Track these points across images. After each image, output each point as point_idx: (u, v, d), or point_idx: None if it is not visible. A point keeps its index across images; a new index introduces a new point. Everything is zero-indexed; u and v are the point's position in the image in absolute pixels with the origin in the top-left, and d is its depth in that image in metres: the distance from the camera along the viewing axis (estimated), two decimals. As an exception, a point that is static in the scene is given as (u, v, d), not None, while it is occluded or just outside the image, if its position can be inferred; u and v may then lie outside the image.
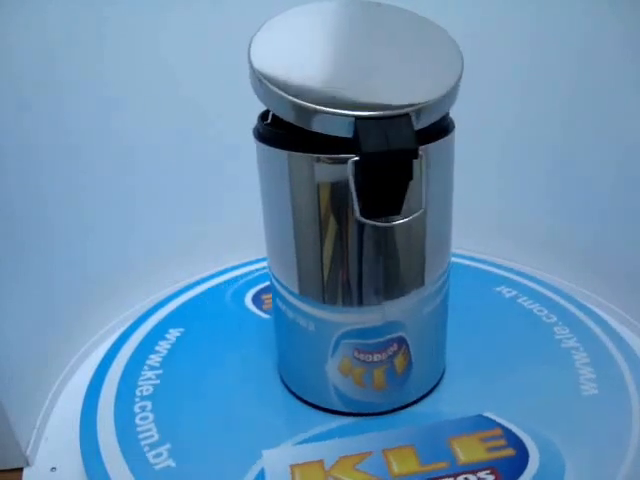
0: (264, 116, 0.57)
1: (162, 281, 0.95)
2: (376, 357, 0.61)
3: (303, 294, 0.60)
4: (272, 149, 0.55)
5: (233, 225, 0.94)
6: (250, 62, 0.53)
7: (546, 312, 0.82)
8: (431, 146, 0.53)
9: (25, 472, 0.67)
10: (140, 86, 0.82)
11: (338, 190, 0.52)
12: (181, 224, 0.94)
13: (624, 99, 0.79)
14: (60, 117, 0.76)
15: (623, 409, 0.63)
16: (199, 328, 0.83)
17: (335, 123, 0.49)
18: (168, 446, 0.62)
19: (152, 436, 0.64)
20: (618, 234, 0.85)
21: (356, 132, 0.47)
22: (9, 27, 0.68)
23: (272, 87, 0.50)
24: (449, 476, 0.57)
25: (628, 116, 0.79)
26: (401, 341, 0.61)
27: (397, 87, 0.52)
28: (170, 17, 0.81)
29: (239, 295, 0.90)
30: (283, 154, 0.54)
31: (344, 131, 0.48)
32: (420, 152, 0.48)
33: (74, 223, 0.81)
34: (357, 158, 0.48)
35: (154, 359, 0.77)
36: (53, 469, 0.67)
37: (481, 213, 0.96)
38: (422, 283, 0.60)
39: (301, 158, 0.53)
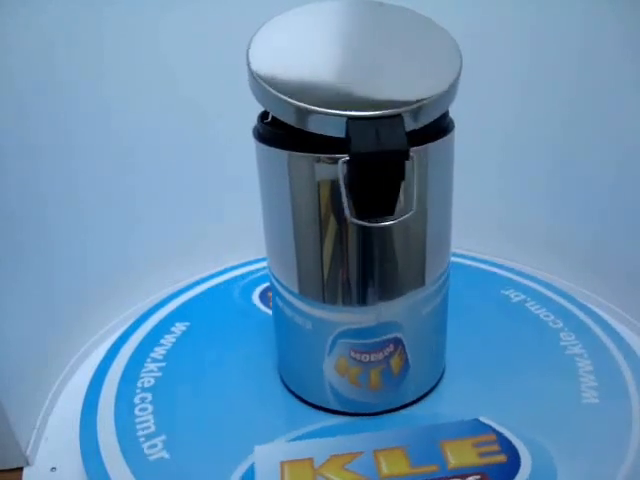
0: (264, 116, 0.57)
1: (162, 281, 0.95)
2: (372, 357, 0.61)
3: (302, 293, 0.60)
4: (272, 149, 0.55)
5: (233, 225, 0.94)
6: (248, 62, 0.53)
7: (553, 317, 0.81)
8: (431, 146, 0.53)
9: (25, 472, 0.67)
10: (140, 86, 0.82)
11: (338, 190, 0.52)
12: (181, 224, 0.94)
13: (624, 99, 0.79)
14: (60, 117, 0.76)
15: (622, 420, 0.62)
16: (205, 322, 0.84)
17: (329, 123, 0.49)
18: (163, 438, 0.63)
19: (149, 427, 0.65)
20: (618, 234, 0.85)
21: (348, 132, 0.47)
22: (9, 27, 0.68)
23: (268, 87, 0.50)
24: (438, 479, 0.57)
25: (628, 116, 0.79)
26: (397, 342, 0.61)
27: (393, 87, 0.51)
28: (170, 17, 0.81)
29: (247, 291, 0.91)
30: (283, 154, 0.54)
31: (338, 131, 0.48)
32: (412, 153, 0.47)
33: (74, 223, 0.81)
34: (347, 158, 0.48)
35: (158, 352, 0.78)
36: (53, 469, 0.67)
37: (481, 213, 0.96)
38: (419, 284, 0.60)
39: (301, 158, 0.53)
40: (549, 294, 0.86)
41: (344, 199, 0.50)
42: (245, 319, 0.84)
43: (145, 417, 0.66)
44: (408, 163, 0.48)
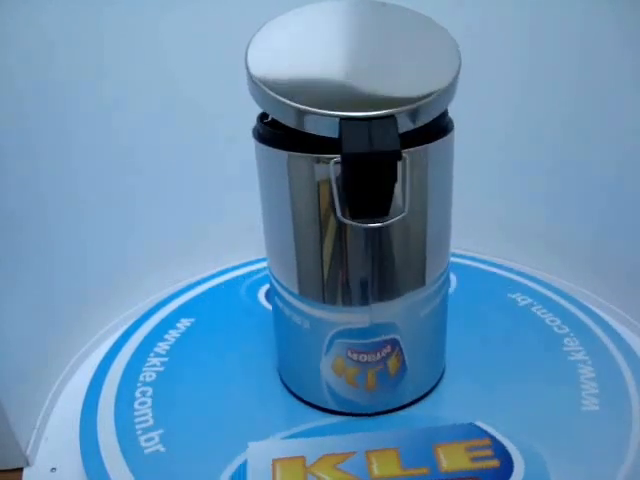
0: (263, 116, 0.57)
1: (162, 281, 0.95)
2: (369, 358, 0.61)
3: (300, 292, 0.60)
4: (272, 149, 0.55)
5: (233, 225, 0.94)
6: (246, 62, 0.53)
7: (559, 322, 0.79)
8: (430, 146, 0.53)
9: (25, 472, 0.67)
10: (140, 86, 0.82)
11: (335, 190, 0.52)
12: (181, 224, 0.94)
13: (624, 99, 0.79)
14: (60, 117, 0.76)
15: (621, 429, 0.61)
16: (210, 319, 0.85)
17: (323, 123, 0.49)
18: (160, 431, 0.64)
19: (147, 421, 0.66)
20: (618, 234, 0.85)
21: (340, 132, 0.47)
22: (9, 27, 0.68)
23: (263, 87, 0.51)
24: None
25: (628, 116, 0.79)
26: (394, 343, 0.61)
27: (390, 87, 0.51)
28: (170, 17, 0.81)
29: (253, 289, 0.91)
30: (283, 154, 0.54)
31: (332, 131, 0.48)
32: (404, 154, 0.47)
33: (74, 223, 0.81)
34: (339, 158, 0.47)
35: (162, 346, 0.79)
36: (53, 469, 0.67)
37: (481, 213, 0.96)
38: (416, 285, 0.60)
39: (301, 158, 0.53)
40: (564, 303, 0.84)
41: (336, 199, 0.50)
42: (250, 317, 0.84)
43: (144, 411, 0.67)
44: (401, 164, 0.48)
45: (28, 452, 0.68)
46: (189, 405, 0.68)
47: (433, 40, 0.56)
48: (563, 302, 0.84)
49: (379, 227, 0.52)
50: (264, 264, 0.68)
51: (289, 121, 0.51)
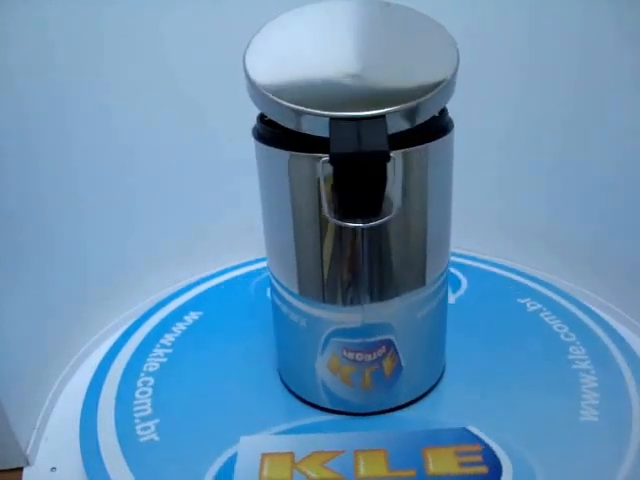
0: (263, 116, 0.57)
1: (162, 281, 0.95)
2: (364, 357, 0.61)
3: (298, 291, 0.60)
4: (272, 149, 0.55)
5: (233, 225, 0.94)
6: (244, 63, 0.53)
7: (566, 330, 0.78)
8: (430, 146, 0.53)
9: (25, 472, 0.67)
10: (140, 86, 0.82)
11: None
12: (181, 224, 0.94)
13: (624, 99, 0.79)
14: (60, 117, 0.76)
15: (618, 443, 0.59)
16: (218, 313, 0.86)
17: (316, 123, 0.49)
18: (157, 421, 0.66)
19: (145, 410, 0.68)
20: (618, 234, 0.85)
21: (330, 132, 0.47)
22: (9, 26, 0.68)
23: (260, 87, 0.51)
24: None
25: (628, 116, 0.79)
26: (389, 344, 0.61)
27: (383, 88, 0.51)
28: (170, 17, 0.81)
29: (262, 286, 0.91)
30: (282, 154, 0.54)
31: (325, 131, 0.48)
32: (392, 155, 0.47)
33: (74, 223, 0.81)
34: (327, 158, 0.47)
35: (168, 338, 0.80)
36: (53, 469, 0.67)
37: (481, 213, 0.96)
38: (412, 286, 0.60)
39: (300, 158, 0.53)
40: (573, 309, 0.83)
41: (323, 198, 0.50)
42: (256, 314, 0.84)
43: (144, 400, 0.69)
44: (390, 164, 0.48)
45: (28, 452, 0.68)
46: (187, 396, 0.70)
47: (432, 40, 0.56)
48: (574, 310, 0.82)
49: (362, 228, 0.53)
50: (264, 264, 0.68)
51: (284, 121, 0.51)
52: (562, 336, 0.77)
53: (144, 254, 0.91)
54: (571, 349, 0.74)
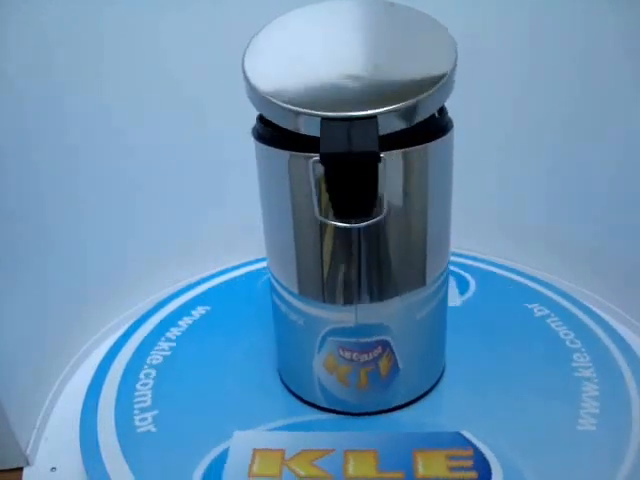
0: (263, 116, 0.57)
1: (162, 281, 0.95)
2: (360, 357, 0.61)
3: (298, 291, 0.60)
4: (271, 149, 0.55)
5: (233, 225, 0.95)
6: (242, 63, 0.53)
7: (572, 336, 0.76)
8: (430, 145, 0.53)
9: (25, 472, 0.67)
10: (140, 86, 0.82)
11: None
12: (181, 224, 0.94)
13: (624, 99, 0.79)
14: (60, 117, 0.76)
15: (615, 455, 0.58)
16: (225, 309, 0.87)
17: (310, 123, 0.49)
18: (155, 412, 0.67)
19: (145, 401, 0.69)
20: (618, 234, 0.85)
21: (321, 132, 0.47)
22: (9, 26, 0.68)
23: (257, 88, 0.51)
24: None
25: (628, 116, 0.79)
26: (385, 344, 0.61)
27: (378, 88, 0.51)
28: (170, 17, 0.81)
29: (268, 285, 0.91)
30: (282, 154, 0.54)
31: (316, 131, 0.48)
32: (383, 156, 0.46)
33: (74, 223, 0.81)
34: (317, 158, 0.47)
35: (174, 332, 0.82)
36: (53, 469, 0.67)
37: (481, 213, 0.96)
38: (412, 286, 0.59)
39: (300, 158, 0.53)
40: (581, 315, 0.81)
41: (314, 198, 0.51)
42: (261, 312, 0.83)
43: (144, 392, 0.70)
44: (381, 165, 0.48)
45: (28, 452, 0.68)
46: (186, 389, 0.71)
47: (432, 41, 0.56)
48: (581, 315, 0.81)
49: (353, 228, 0.53)
50: (264, 264, 0.68)
51: (281, 122, 0.51)
52: (567, 342, 0.76)
53: (144, 254, 0.91)
54: (575, 356, 0.73)
